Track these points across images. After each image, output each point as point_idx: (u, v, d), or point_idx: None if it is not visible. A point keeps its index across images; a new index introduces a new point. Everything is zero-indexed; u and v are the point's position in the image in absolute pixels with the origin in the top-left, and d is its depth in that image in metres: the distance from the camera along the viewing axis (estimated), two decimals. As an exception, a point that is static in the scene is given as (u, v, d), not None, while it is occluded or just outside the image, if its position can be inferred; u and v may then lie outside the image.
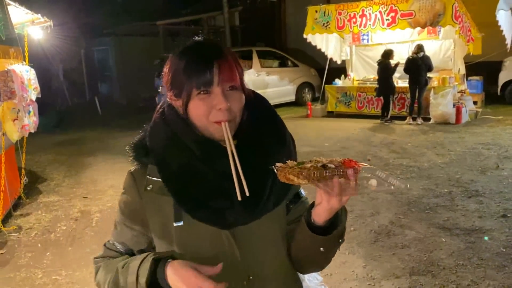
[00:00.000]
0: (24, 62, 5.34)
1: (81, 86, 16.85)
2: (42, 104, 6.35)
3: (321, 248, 1.06)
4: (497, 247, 3.63)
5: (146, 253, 1.05)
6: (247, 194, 0.98)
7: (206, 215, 1.04)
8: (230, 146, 1.01)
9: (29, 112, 5.11)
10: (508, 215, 4.25)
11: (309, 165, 0.94)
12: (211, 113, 1.03)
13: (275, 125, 1.16)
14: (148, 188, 1.09)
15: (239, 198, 0.98)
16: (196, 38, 1.09)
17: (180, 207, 1.06)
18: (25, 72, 4.95)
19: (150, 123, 1.16)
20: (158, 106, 1.18)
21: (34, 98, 5.26)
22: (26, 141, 5.87)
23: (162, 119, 1.12)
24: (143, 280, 0.99)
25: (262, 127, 1.12)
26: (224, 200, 1.03)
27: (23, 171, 5.90)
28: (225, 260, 1.05)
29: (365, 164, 0.96)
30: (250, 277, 1.10)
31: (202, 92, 1.02)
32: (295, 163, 0.97)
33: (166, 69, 1.10)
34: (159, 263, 1.00)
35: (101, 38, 16.91)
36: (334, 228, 1.04)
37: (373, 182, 0.97)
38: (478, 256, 3.49)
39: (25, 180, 5.94)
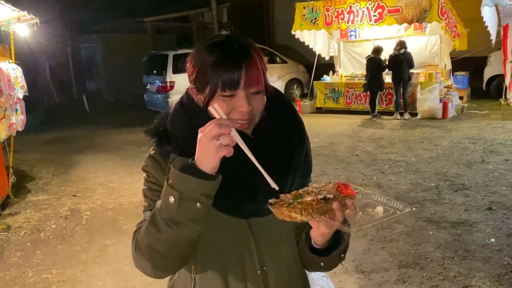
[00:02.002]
0: (10, 60, 5.29)
1: (68, 84, 16.66)
2: (29, 102, 6.28)
3: (321, 263, 1.13)
4: (482, 239, 3.71)
5: None
6: (277, 188, 0.96)
7: (227, 206, 1.05)
8: (248, 151, 0.96)
9: (16, 111, 5.07)
10: (494, 207, 4.34)
11: (309, 198, 0.93)
12: (231, 113, 1.02)
13: (295, 124, 1.18)
14: None
15: (276, 188, 0.96)
16: (224, 32, 1.08)
17: None
18: (12, 70, 4.92)
19: (170, 111, 1.14)
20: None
21: (21, 96, 5.22)
22: (13, 140, 5.82)
23: (183, 110, 1.11)
24: (173, 174, 0.94)
25: (281, 124, 1.13)
26: (247, 191, 1.04)
27: (10, 170, 5.85)
28: (240, 249, 1.10)
29: (360, 188, 0.99)
30: (264, 268, 1.13)
31: (226, 95, 1.01)
32: (289, 196, 0.96)
33: (190, 61, 1.08)
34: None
35: (88, 35, 16.73)
36: (335, 248, 1.09)
37: (380, 209, 0.99)
38: (465, 249, 3.57)
39: (13, 179, 5.88)
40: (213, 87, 1.02)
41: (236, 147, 0.96)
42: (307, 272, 1.28)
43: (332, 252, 1.10)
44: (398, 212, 0.98)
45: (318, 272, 1.50)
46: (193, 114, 1.08)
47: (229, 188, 1.02)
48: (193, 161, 0.93)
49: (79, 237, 4.36)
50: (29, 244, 4.26)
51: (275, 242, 1.15)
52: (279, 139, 1.10)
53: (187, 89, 1.13)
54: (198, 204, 0.94)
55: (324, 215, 0.93)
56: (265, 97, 1.07)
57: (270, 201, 0.96)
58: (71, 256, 3.95)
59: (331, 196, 0.94)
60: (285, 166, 1.08)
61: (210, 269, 1.11)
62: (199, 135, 0.92)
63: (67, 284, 3.47)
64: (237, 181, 1.03)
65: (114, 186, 5.98)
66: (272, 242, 1.15)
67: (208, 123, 0.91)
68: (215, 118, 1.01)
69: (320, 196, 0.94)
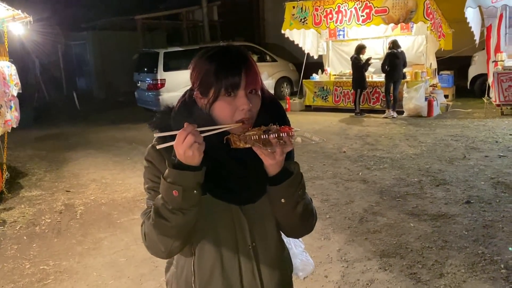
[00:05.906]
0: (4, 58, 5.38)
1: (59, 81, 16.67)
2: (19, 99, 6.35)
3: (282, 200, 1.26)
4: (460, 230, 3.92)
5: None
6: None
7: (224, 194, 1.24)
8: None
9: (11, 108, 5.17)
10: (472, 201, 4.55)
11: (253, 132, 1.14)
12: (234, 113, 1.20)
13: (283, 122, 1.33)
14: None
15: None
16: (222, 43, 1.25)
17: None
18: (7, 68, 5.01)
19: (173, 107, 1.30)
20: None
21: (15, 94, 5.31)
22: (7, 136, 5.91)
23: (186, 110, 1.26)
24: (172, 173, 1.14)
25: (272, 122, 1.28)
26: (241, 184, 1.22)
27: (4, 166, 5.94)
28: (233, 229, 1.29)
29: (298, 129, 1.20)
30: (254, 243, 1.32)
31: (229, 94, 1.19)
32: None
33: (192, 70, 1.25)
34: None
35: (78, 32, 16.75)
36: (285, 176, 1.25)
37: (298, 139, 1.20)
38: (443, 239, 3.78)
39: (7, 175, 5.98)
40: (217, 89, 1.19)
41: (228, 144, 1.17)
42: (288, 248, 1.47)
43: (284, 180, 1.23)
44: (313, 142, 1.23)
45: (298, 248, 1.70)
46: (193, 112, 1.25)
47: (222, 179, 1.23)
48: (179, 160, 1.13)
49: (74, 231, 4.49)
50: (25, 237, 4.38)
51: (263, 222, 1.34)
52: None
53: (187, 90, 1.30)
54: (195, 191, 1.16)
55: (263, 146, 1.13)
56: (260, 98, 1.26)
57: (226, 136, 1.17)
58: (67, 249, 4.08)
59: (270, 130, 1.14)
60: None
61: (207, 246, 1.29)
62: (177, 149, 1.12)
63: (64, 275, 3.61)
64: (230, 173, 1.23)
65: (106, 182, 6.10)
66: (261, 222, 1.33)
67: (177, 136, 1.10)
68: (211, 118, 1.21)
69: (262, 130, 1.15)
